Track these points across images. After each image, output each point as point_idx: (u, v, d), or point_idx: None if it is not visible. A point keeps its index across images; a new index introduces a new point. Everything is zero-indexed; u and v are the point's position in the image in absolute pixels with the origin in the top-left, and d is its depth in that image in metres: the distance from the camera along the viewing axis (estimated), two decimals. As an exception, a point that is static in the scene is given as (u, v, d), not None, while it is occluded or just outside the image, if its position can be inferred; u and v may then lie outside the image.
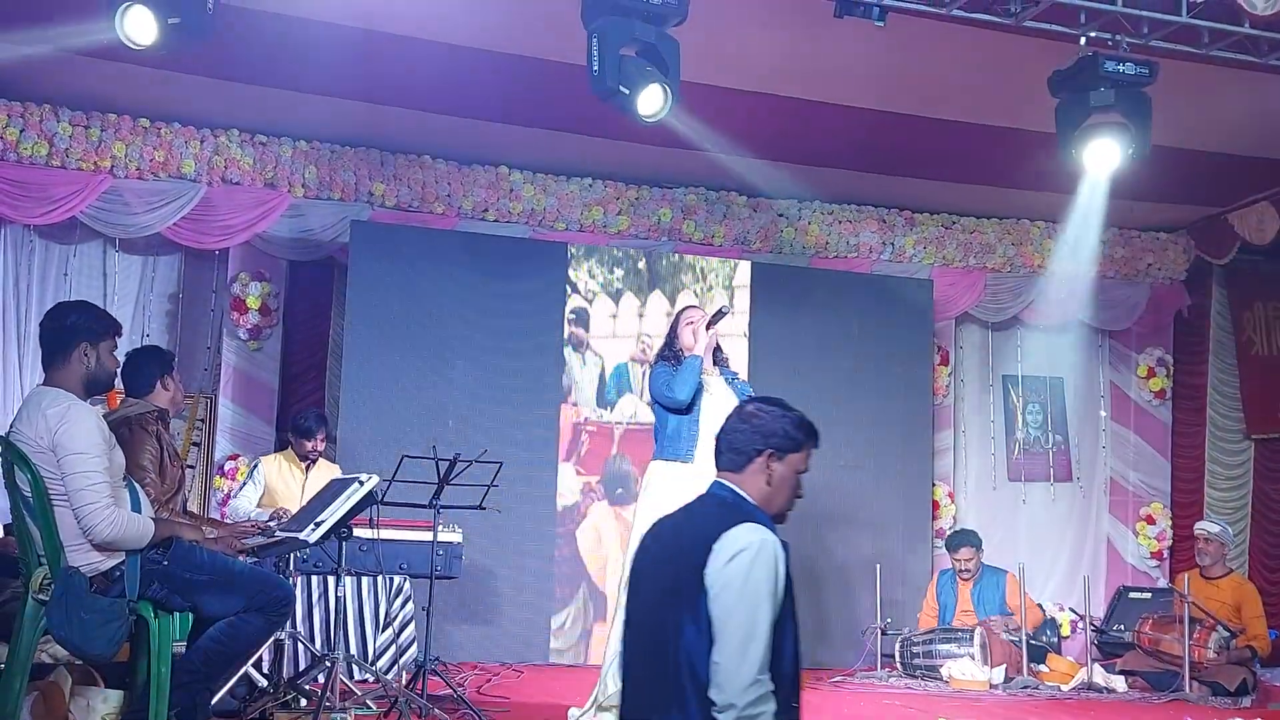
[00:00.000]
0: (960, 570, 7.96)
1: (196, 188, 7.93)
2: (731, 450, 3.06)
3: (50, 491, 3.91)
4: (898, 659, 7.65)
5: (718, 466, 3.09)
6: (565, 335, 8.39)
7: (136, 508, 4.09)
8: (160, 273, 8.36)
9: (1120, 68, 5.83)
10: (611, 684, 5.03)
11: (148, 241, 8.15)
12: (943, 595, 8.00)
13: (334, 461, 7.51)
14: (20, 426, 3.99)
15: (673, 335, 5.59)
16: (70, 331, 4.10)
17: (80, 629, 3.81)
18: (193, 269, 8.44)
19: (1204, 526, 7.82)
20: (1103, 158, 6.04)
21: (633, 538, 5.24)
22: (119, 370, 4.33)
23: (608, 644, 5.27)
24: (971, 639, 7.41)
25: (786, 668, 2.83)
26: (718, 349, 5.62)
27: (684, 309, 5.72)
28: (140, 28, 5.00)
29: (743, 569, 2.79)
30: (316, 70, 7.07)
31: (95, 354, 4.11)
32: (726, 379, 5.55)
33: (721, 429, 3.11)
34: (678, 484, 5.16)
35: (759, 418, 3.06)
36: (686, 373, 5.32)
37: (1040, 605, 8.80)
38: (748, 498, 3.02)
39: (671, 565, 2.91)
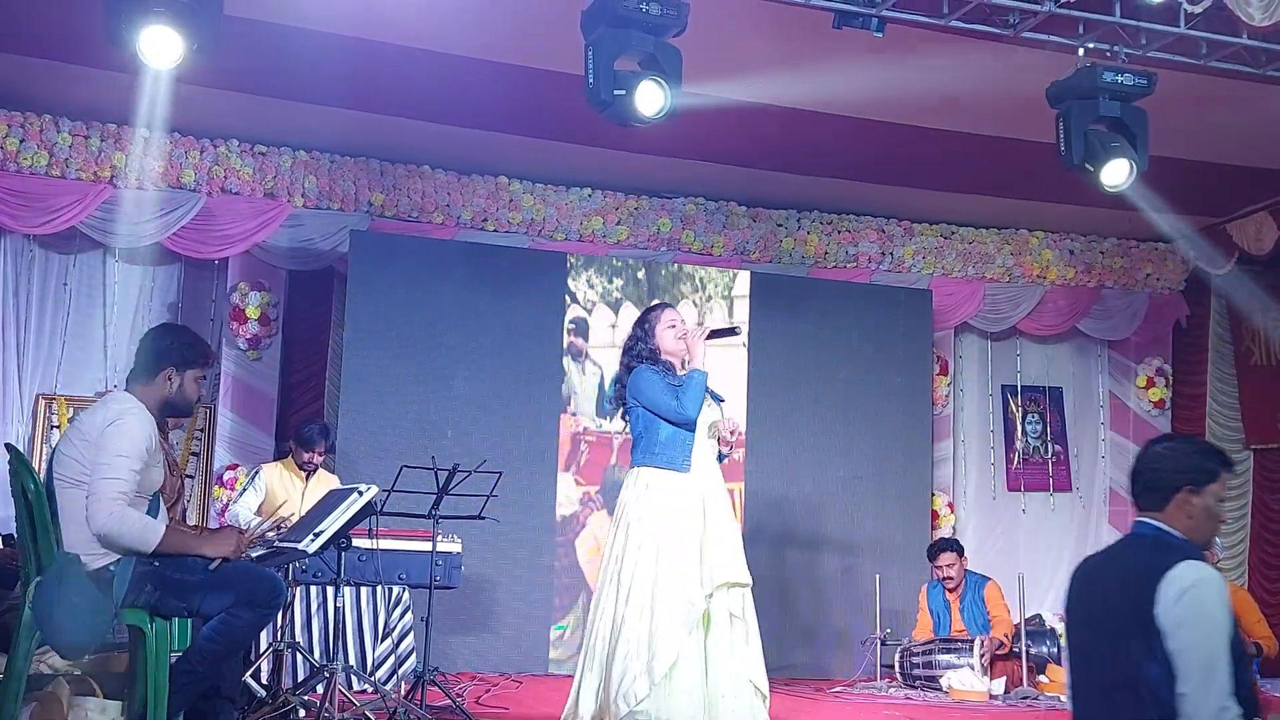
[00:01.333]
0: (944, 578, 7.92)
1: (196, 198, 7.95)
2: (1150, 490, 3.17)
3: (76, 478, 3.97)
4: (897, 669, 7.64)
5: (1139, 506, 3.20)
6: (564, 345, 8.39)
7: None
8: (160, 282, 8.37)
9: (1119, 78, 5.85)
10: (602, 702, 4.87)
11: (147, 251, 8.15)
12: (934, 606, 7.96)
13: (333, 471, 7.51)
14: (83, 416, 4.14)
15: (648, 336, 5.17)
16: (161, 354, 4.21)
17: (67, 612, 3.83)
18: (192, 279, 8.44)
19: None
20: (1112, 177, 6.06)
21: (629, 547, 4.88)
22: (199, 399, 4.42)
23: (583, 659, 4.91)
24: (971, 649, 7.40)
25: (1244, 690, 2.95)
26: None
27: (660, 308, 5.31)
28: (165, 50, 5.05)
29: (1194, 605, 2.92)
30: (316, 80, 7.09)
31: (179, 380, 4.21)
32: None
33: (1135, 470, 3.22)
34: (680, 494, 4.92)
35: (1169, 456, 3.17)
36: (696, 390, 5.01)
37: (1040, 615, 8.78)
38: (1174, 533, 3.12)
39: (1114, 605, 3.05)
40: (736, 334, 5.36)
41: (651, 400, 5.02)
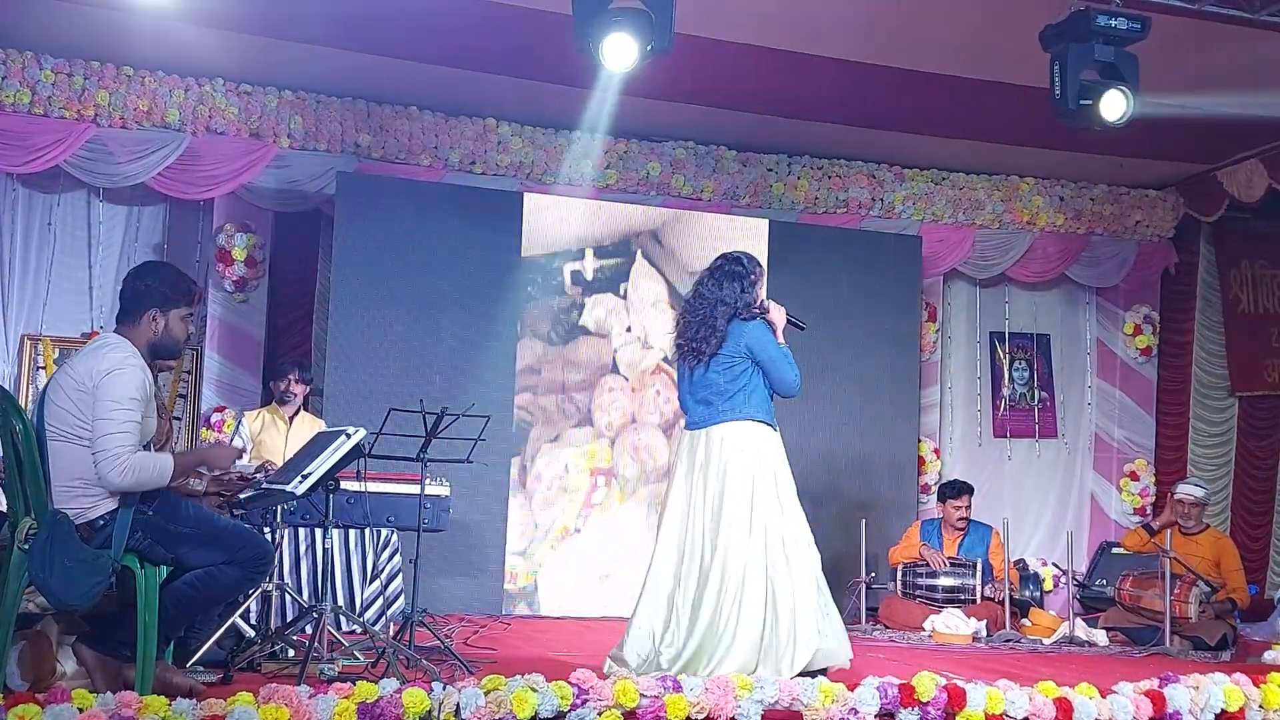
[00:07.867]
0: (956, 519, 7.95)
1: (181, 137, 7.86)
2: None
3: (70, 430, 3.94)
4: (899, 581, 7.73)
5: None
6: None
7: None
8: (145, 223, 8.30)
9: (1112, 22, 5.81)
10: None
11: (132, 191, 8.09)
12: (927, 540, 8.02)
13: (320, 414, 7.51)
14: (75, 361, 4.05)
15: (753, 293, 5.10)
16: (142, 296, 4.16)
17: (61, 575, 3.81)
18: (178, 220, 8.38)
19: (1189, 491, 7.65)
20: (1111, 110, 6.04)
21: (773, 504, 4.92)
22: (188, 338, 4.35)
23: (644, 603, 5.01)
24: (974, 573, 7.56)
25: None
26: None
27: (760, 266, 5.20)
28: None
29: None
30: (303, 19, 7.00)
31: (164, 320, 4.17)
32: None
33: None
34: (779, 450, 5.04)
35: None
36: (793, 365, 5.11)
37: (1024, 560, 8.86)
38: None
39: None
40: (802, 330, 5.28)
41: (775, 361, 5.02)
